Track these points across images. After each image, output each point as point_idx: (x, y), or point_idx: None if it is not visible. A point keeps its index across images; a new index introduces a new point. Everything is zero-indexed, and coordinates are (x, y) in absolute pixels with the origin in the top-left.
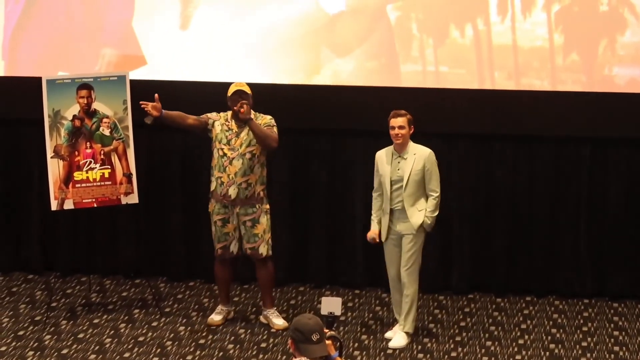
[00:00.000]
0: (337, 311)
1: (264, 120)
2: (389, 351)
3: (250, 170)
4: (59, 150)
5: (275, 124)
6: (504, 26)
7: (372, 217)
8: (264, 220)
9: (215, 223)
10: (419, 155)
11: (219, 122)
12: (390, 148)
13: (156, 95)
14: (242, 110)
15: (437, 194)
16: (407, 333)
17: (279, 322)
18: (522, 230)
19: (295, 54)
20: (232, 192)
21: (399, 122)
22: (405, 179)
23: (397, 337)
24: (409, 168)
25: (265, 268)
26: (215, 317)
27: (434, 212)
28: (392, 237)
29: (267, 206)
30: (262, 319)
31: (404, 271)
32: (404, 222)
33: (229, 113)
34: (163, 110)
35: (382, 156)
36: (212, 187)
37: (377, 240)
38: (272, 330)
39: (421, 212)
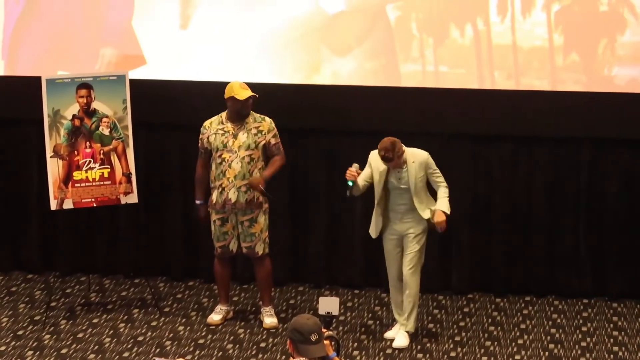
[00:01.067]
0: (335, 311)
1: (267, 126)
2: (389, 351)
3: (250, 174)
4: (59, 149)
5: (276, 128)
6: (504, 26)
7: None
8: (262, 219)
9: (214, 222)
10: (418, 163)
11: (212, 131)
12: None
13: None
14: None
15: (445, 184)
16: (408, 332)
17: (268, 320)
18: (522, 230)
19: (294, 53)
20: (232, 195)
21: (390, 165)
22: (413, 188)
23: (400, 337)
24: (413, 177)
25: (262, 266)
26: (215, 317)
27: (448, 197)
28: (393, 237)
29: (266, 205)
30: (261, 316)
31: (406, 271)
32: (407, 222)
33: (223, 115)
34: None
35: (379, 163)
36: (213, 198)
37: (354, 173)
38: (272, 330)
39: (432, 210)
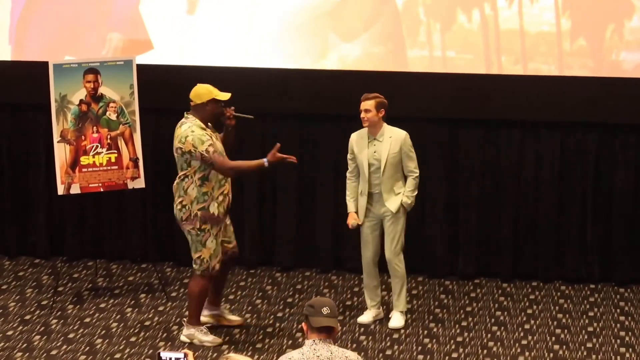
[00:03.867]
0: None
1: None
2: (395, 335)
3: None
4: (66, 134)
5: None
6: (511, 11)
7: (347, 199)
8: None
9: (216, 237)
10: (395, 139)
11: (214, 138)
12: (364, 131)
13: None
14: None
15: (417, 174)
16: (402, 312)
17: (234, 317)
18: (529, 216)
19: (302, 38)
20: (230, 196)
21: (365, 106)
22: (383, 162)
23: (395, 318)
24: (386, 151)
25: (233, 265)
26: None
27: (413, 192)
28: (371, 221)
29: None
30: (222, 314)
31: (389, 254)
32: (384, 205)
33: (198, 122)
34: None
35: (357, 139)
36: (214, 211)
37: (359, 222)
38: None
39: (399, 196)
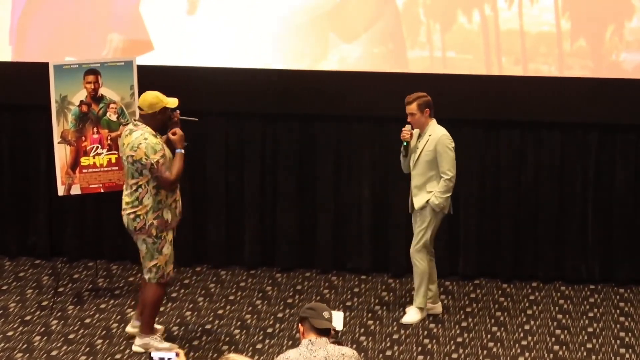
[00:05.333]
0: (339, 326)
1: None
2: (395, 336)
3: None
4: (66, 135)
5: None
6: (511, 12)
7: None
8: None
9: (170, 243)
10: (433, 137)
11: (164, 146)
12: None
13: None
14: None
15: (449, 176)
16: (419, 308)
17: (157, 326)
18: (529, 216)
19: (302, 39)
20: (180, 205)
21: (408, 110)
22: (415, 157)
23: (409, 314)
24: (421, 147)
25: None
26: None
27: (443, 194)
28: (413, 213)
29: None
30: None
31: (412, 248)
32: (416, 199)
33: (149, 129)
34: None
35: (415, 131)
36: (167, 218)
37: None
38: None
39: (429, 194)
